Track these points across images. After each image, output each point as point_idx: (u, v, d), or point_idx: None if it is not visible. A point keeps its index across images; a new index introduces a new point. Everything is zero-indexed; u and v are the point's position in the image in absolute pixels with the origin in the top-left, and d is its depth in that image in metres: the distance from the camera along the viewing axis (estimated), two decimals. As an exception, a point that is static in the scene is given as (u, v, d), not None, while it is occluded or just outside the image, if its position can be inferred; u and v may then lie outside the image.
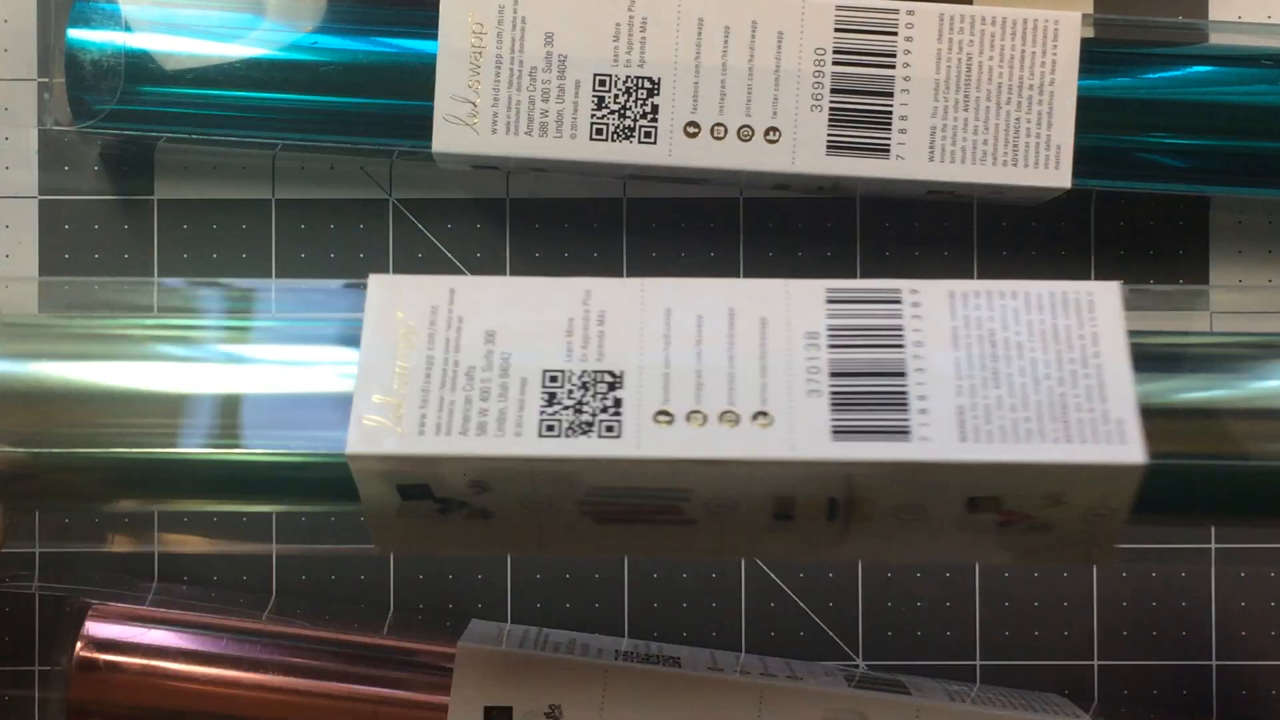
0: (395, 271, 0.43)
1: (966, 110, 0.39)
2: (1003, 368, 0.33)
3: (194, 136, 0.40)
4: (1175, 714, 0.42)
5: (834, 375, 0.33)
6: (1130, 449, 0.32)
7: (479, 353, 0.33)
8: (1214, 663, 0.43)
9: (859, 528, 0.33)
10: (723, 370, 0.33)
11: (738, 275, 0.43)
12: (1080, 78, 0.39)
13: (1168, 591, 0.43)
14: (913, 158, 0.39)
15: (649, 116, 0.39)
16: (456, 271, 0.43)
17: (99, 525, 0.41)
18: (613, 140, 0.39)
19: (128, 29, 0.40)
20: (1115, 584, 0.43)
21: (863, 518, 0.33)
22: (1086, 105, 0.39)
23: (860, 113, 0.39)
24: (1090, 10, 0.43)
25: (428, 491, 0.33)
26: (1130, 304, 0.33)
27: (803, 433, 0.32)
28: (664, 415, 0.32)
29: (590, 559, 0.43)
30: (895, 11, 0.39)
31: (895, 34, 0.39)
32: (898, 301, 0.34)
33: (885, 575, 0.43)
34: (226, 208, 0.43)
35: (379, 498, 0.33)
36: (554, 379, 0.33)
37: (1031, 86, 0.39)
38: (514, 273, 0.43)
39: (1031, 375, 0.32)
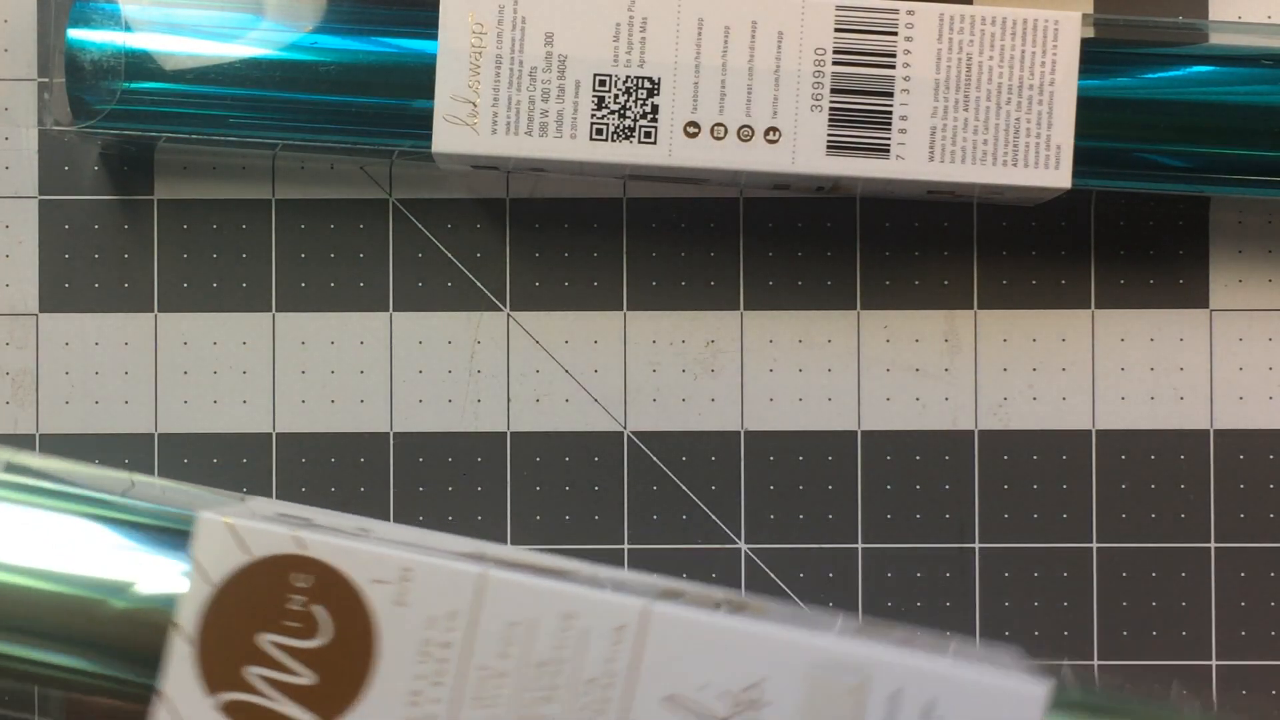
0: (395, 270, 0.43)
1: (966, 110, 0.39)
2: None
3: (194, 136, 0.40)
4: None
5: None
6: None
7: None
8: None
9: None
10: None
11: (737, 275, 0.43)
12: (1080, 78, 0.39)
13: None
14: (913, 158, 0.39)
15: (649, 116, 0.39)
16: (456, 271, 0.43)
17: None
18: (613, 140, 0.39)
19: (128, 29, 0.40)
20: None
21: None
22: (1086, 105, 0.39)
23: (860, 113, 0.39)
24: (1090, 10, 0.43)
25: None
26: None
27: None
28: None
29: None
30: (895, 11, 0.39)
31: (895, 34, 0.39)
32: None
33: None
34: (226, 208, 0.43)
35: None
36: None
37: (1031, 86, 0.39)
38: (514, 272, 0.43)
39: None
